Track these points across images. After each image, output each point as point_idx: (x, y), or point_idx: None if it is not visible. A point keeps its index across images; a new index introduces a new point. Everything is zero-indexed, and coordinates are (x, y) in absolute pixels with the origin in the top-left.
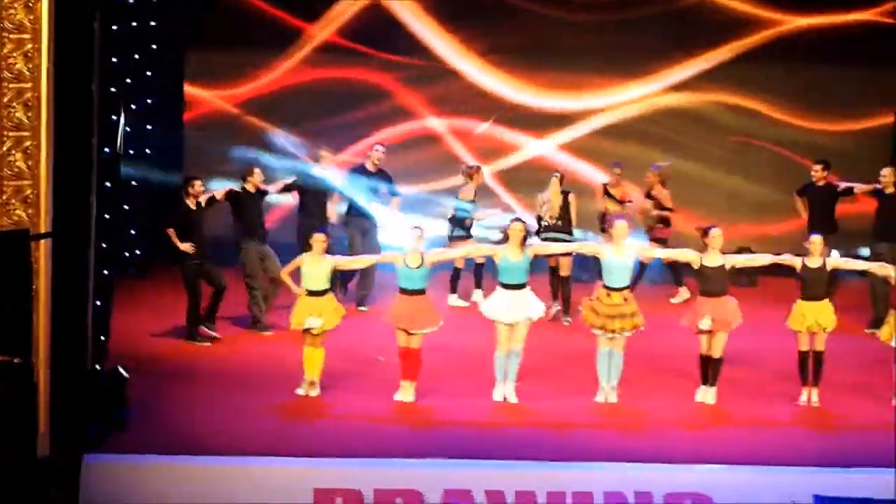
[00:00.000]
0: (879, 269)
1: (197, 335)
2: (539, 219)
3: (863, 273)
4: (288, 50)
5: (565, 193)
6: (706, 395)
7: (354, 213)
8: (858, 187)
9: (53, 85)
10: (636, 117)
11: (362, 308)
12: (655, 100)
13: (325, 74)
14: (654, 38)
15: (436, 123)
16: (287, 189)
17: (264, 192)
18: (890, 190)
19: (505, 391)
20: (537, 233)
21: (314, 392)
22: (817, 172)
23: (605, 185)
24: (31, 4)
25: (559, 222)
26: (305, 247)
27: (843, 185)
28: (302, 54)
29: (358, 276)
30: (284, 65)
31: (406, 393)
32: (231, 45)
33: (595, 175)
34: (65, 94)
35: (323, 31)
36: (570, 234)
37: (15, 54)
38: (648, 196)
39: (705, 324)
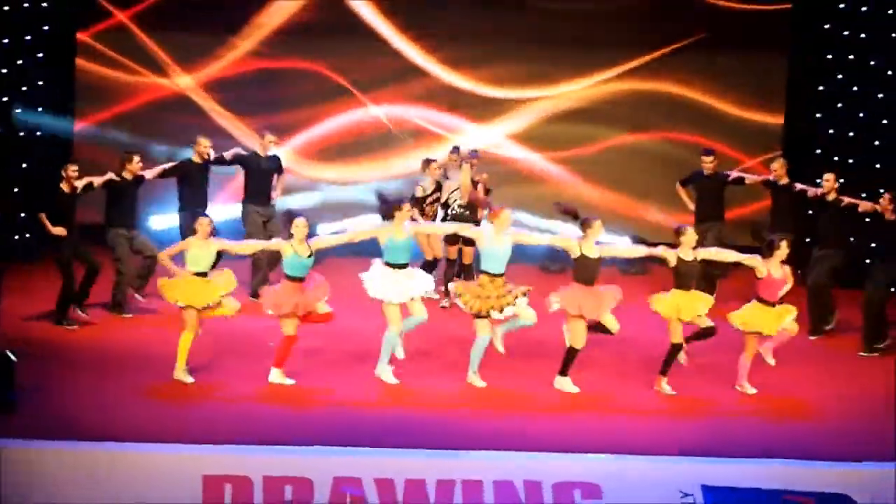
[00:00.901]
0: (748, 260)
1: (65, 319)
2: (446, 205)
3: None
4: (234, 36)
5: (475, 182)
6: (562, 382)
7: (253, 199)
8: (749, 177)
9: None
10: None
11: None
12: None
13: (270, 63)
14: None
15: (379, 111)
16: (168, 174)
17: (141, 179)
18: (783, 181)
19: (385, 370)
20: (443, 219)
21: (189, 378)
22: (707, 163)
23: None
24: None
25: (467, 211)
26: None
27: (733, 174)
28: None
29: (252, 265)
30: (230, 53)
31: (277, 377)
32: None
33: (535, 163)
34: None
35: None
36: (478, 222)
37: None
38: (474, 184)
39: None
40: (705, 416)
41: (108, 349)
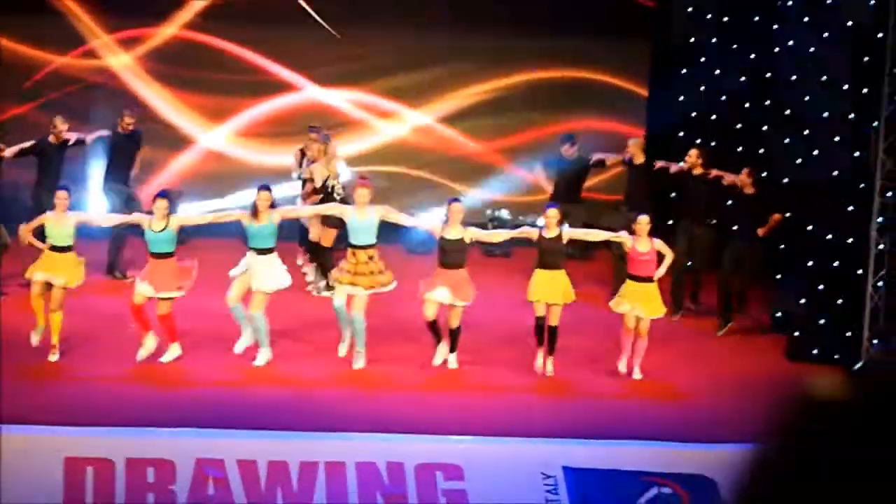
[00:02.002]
0: (615, 237)
1: None
2: (328, 192)
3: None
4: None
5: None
6: (447, 358)
7: (112, 178)
8: (609, 159)
9: None
10: None
11: (116, 275)
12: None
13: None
14: None
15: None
16: (25, 153)
17: None
18: (639, 160)
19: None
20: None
21: (54, 357)
22: (568, 149)
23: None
24: None
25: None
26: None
27: (595, 156)
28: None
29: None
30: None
31: (169, 355)
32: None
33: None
34: None
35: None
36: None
37: None
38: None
39: (440, 296)
40: (570, 398)
41: None
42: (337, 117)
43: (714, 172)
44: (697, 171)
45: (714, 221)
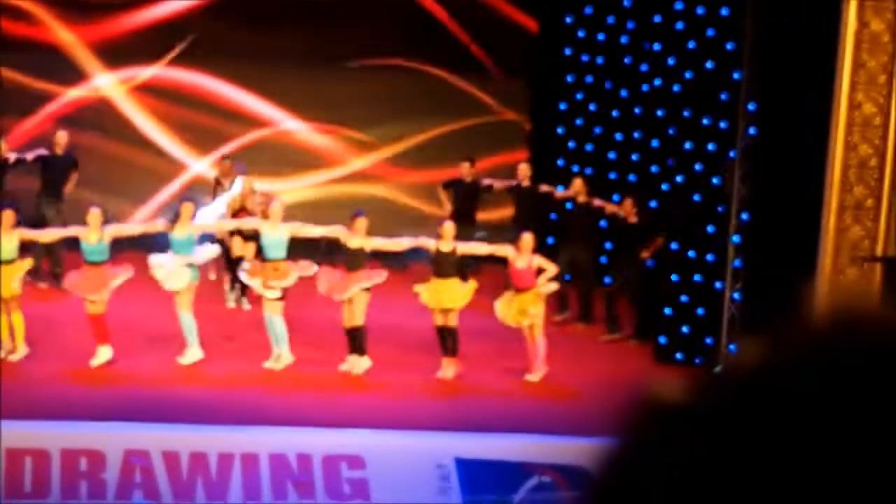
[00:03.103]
0: (499, 251)
1: None
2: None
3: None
4: None
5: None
6: (358, 363)
7: (47, 192)
8: (497, 184)
9: None
10: None
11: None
12: None
13: None
14: None
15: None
16: None
17: None
18: (525, 184)
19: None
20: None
21: (15, 356)
22: (465, 169)
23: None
24: None
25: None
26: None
27: (485, 181)
28: None
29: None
30: None
31: (102, 356)
32: None
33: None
34: None
35: None
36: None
37: None
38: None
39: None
40: (464, 394)
41: None
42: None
43: (597, 202)
44: (581, 198)
45: (595, 243)
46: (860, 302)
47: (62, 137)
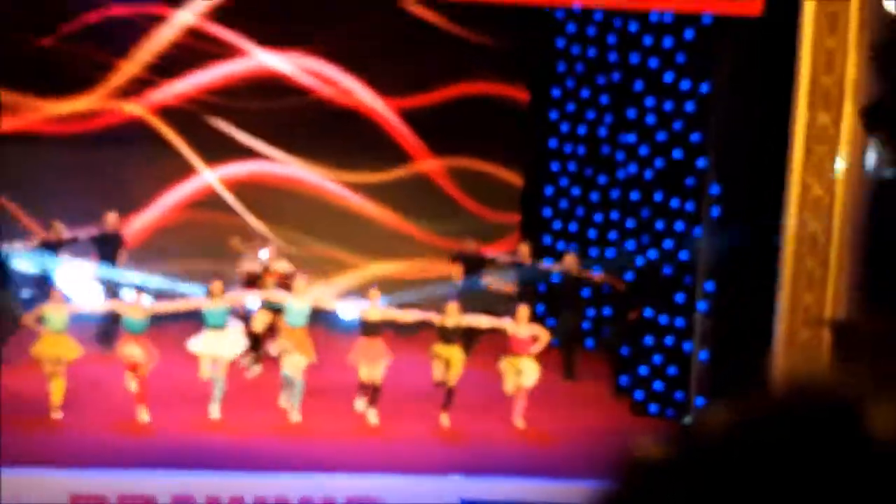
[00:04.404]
0: (500, 324)
1: None
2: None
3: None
4: None
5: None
6: (368, 413)
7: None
8: (501, 257)
9: None
10: None
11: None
12: None
13: None
14: None
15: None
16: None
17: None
18: (526, 260)
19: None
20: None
21: (59, 414)
22: (470, 244)
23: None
24: None
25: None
26: None
27: (490, 254)
28: None
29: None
30: None
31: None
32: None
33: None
34: None
35: None
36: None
37: None
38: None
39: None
40: (469, 443)
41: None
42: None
43: (587, 274)
44: (574, 272)
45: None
46: (812, 366)
47: (112, 218)
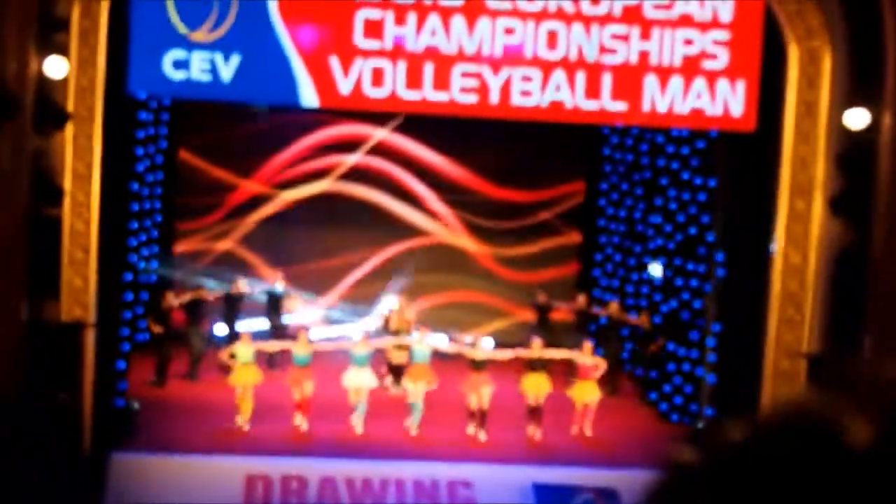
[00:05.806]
0: (572, 355)
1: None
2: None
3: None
4: None
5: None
6: (478, 434)
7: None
8: (563, 306)
9: None
10: None
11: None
12: None
13: None
14: None
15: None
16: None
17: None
18: (581, 307)
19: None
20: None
21: (246, 427)
22: (542, 295)
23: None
24: None
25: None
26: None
27: (556, 304)
28: None
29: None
30: None
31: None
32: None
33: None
34: None
35: None
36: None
37: None
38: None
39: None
40: (541, 443)
41: (199, 401)
42: None
43: (625, 317)
44: (616, 315)
45: (622, 344)
46: (791, 390)
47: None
